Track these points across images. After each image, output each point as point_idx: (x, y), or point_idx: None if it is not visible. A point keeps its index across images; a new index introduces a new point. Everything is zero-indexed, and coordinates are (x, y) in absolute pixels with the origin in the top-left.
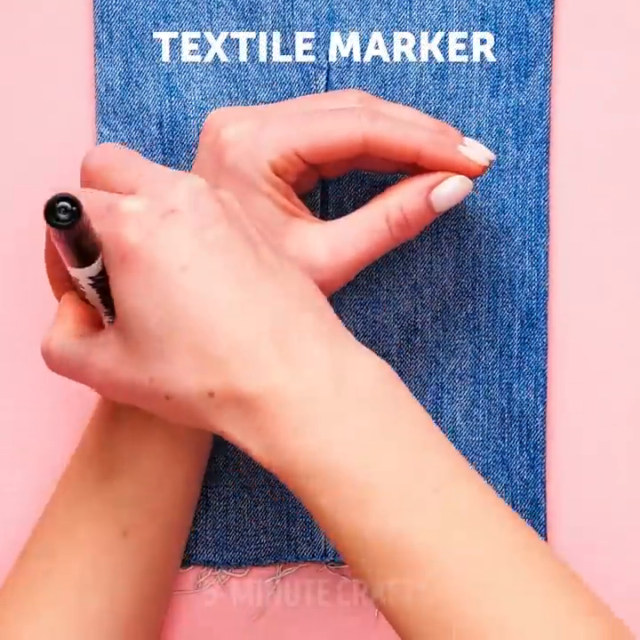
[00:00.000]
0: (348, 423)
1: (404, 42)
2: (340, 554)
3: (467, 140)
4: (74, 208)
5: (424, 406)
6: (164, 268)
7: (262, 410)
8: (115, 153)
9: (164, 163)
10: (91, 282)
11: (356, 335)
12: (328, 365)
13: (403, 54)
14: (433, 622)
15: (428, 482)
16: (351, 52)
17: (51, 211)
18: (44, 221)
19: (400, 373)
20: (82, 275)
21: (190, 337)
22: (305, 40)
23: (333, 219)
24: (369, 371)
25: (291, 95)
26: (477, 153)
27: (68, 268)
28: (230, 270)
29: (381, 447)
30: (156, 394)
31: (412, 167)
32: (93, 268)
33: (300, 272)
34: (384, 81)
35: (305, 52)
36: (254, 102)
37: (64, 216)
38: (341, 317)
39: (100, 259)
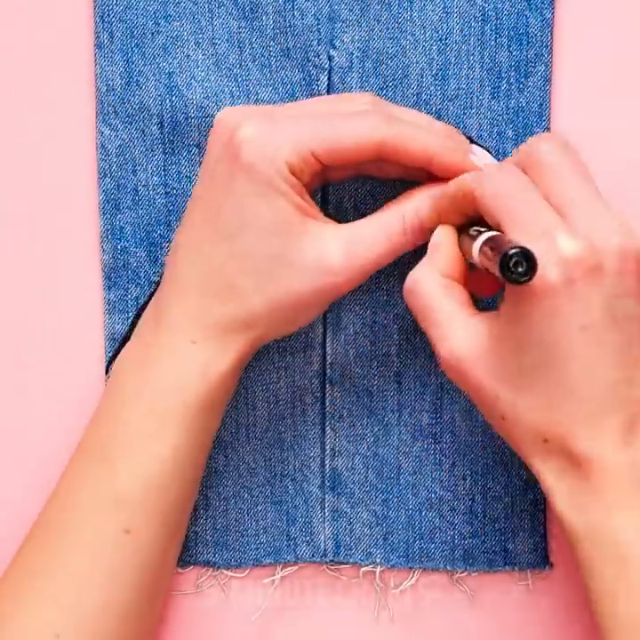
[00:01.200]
0: None
1: (404, 42)
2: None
3: (474, 147)
4: (530, 263)
5: (424, 406)
6: (566, 319)
7: (590, 474)
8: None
9: (164, 163)
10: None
11: (355, 336)
12: None
13: (403, 55)
14: None
15: None
16: (352, 53)
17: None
18: (501, 272)
19: (400, 374)
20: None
21: (555, 385)
22: (306, 40)
23: (333, 219)
24: None
25: (292, 95)
26: (484, 161)
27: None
28: (622, 349)
29: None
30: (493, 408)
31: (419, 172)
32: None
33: None
34: (385, 82)
35: (306, 53)
36: (256, 102)
37: (522, 271)
38: (341, 318)
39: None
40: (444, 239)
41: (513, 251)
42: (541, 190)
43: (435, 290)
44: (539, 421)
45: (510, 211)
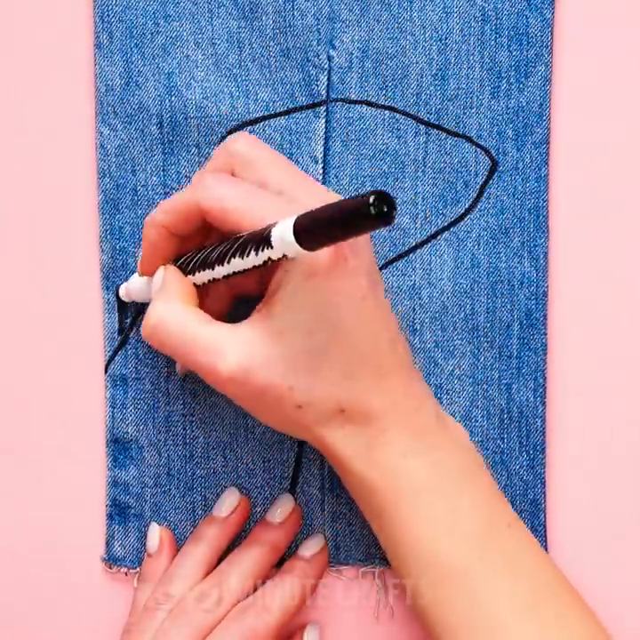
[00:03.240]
0: (444, 459)
1: (404, 42)
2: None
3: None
4: (392, 205)
5: None
6: (348, 293)
7: (383, 429)
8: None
9: (163, 163)
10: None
11: None
12: (435, 410)
13: (403, 55)
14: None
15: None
16: (352, 53)
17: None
18: (371, 209)
19: None
20: (243, 264)
21: (349, 356)
22: (306, 40)
23: None
24: (459, 427)
25: (292, 96)
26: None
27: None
28: (386, 311)
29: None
30: (287, 401)
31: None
32: (258, 259)
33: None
34: (385, 82)
35: (306, 53)
36: (256, 102)
37: (388, 211)
38: None
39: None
40: (168, 273)
41: (372, 196)
42: (254, 182)
43: (184, 319)
44: (336, 394)
45: (244, 206)
